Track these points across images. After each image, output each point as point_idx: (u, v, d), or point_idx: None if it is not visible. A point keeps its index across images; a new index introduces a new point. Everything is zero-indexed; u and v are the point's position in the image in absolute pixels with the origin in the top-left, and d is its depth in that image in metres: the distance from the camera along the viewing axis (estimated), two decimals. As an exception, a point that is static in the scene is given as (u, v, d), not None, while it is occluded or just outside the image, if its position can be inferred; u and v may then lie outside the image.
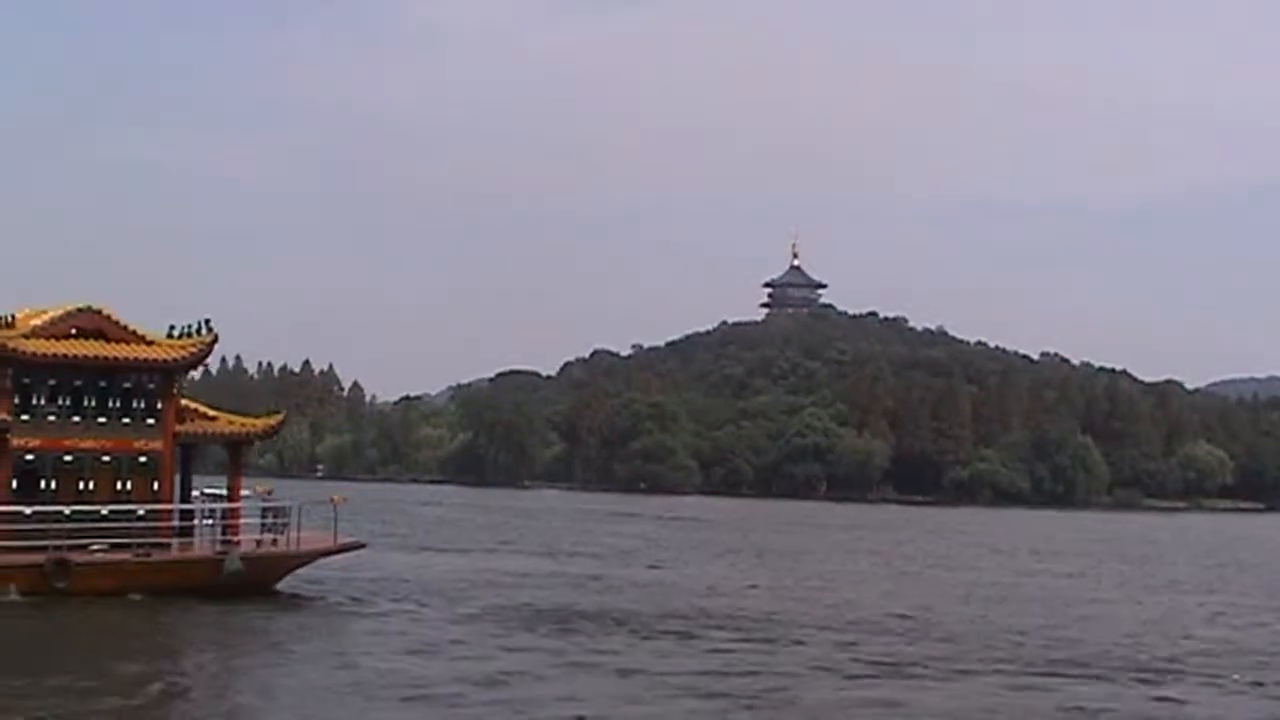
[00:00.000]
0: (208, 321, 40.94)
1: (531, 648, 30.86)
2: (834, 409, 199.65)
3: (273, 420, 44.90)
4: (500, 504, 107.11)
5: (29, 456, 37.83)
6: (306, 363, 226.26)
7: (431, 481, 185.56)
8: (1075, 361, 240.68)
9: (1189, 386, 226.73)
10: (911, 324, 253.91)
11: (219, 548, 39.30)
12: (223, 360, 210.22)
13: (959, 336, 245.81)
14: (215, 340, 40.62)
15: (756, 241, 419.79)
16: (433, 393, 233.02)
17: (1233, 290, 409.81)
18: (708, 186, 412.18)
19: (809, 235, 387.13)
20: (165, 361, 39.84)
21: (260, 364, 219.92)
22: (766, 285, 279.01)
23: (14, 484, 37.46)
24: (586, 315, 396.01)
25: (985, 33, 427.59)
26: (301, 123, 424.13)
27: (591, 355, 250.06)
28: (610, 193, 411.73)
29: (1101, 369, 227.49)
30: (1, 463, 37.44)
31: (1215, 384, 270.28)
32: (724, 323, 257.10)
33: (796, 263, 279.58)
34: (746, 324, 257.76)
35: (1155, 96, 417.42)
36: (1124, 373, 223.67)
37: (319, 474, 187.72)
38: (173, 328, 40.74)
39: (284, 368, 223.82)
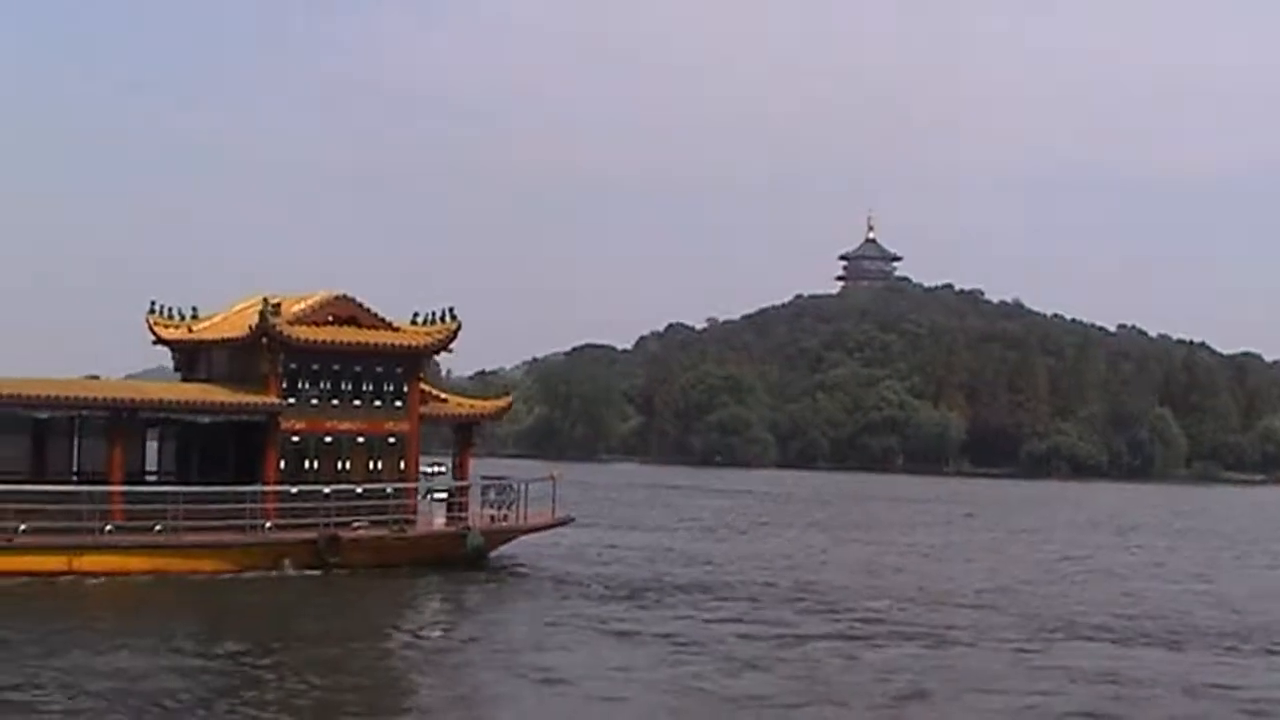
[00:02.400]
0: (451, 309, 43.76)
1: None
2: (910, 382, 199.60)
3: (501, 402, 48.83)
4: (579, 478, 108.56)
5: (295, 438, 40.65)
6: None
7: (508, 456, 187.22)
8: (1153, 333, 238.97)
9: (1268, 359, 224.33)
10: (987, 296, 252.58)
11: (463, 524, 42.66)
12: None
13: (1035, 309, 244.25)
14: (459, 328, 43.42)
15: (831, 214, 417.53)
16: (508, 366, 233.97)
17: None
18: (781, 159, 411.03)
19: (884, 208, 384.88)
20: (413, 347, 42.86)
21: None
22: (842, 258, 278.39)
23: (281, 464, 40.03)
24: (662, 288, 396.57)
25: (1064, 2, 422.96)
26: (366, 102, 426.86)
27: (667, 329, 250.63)
28: (683, 166, 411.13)
29: (1179, 341, 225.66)
30: (272, 444, 40.10)
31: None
32: (799, 296, 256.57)
33: (872, 235, 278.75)
34: (822, 297, 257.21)
35: (1229, 66, 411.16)
36: (1202, 345, 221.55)
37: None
38: (416, 315, 43.58)
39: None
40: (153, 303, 44.30)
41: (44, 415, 38.82)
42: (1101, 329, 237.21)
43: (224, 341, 42.27)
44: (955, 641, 31.51)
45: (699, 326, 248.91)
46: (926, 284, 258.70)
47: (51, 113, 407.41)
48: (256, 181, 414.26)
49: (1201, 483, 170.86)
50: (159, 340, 44.32)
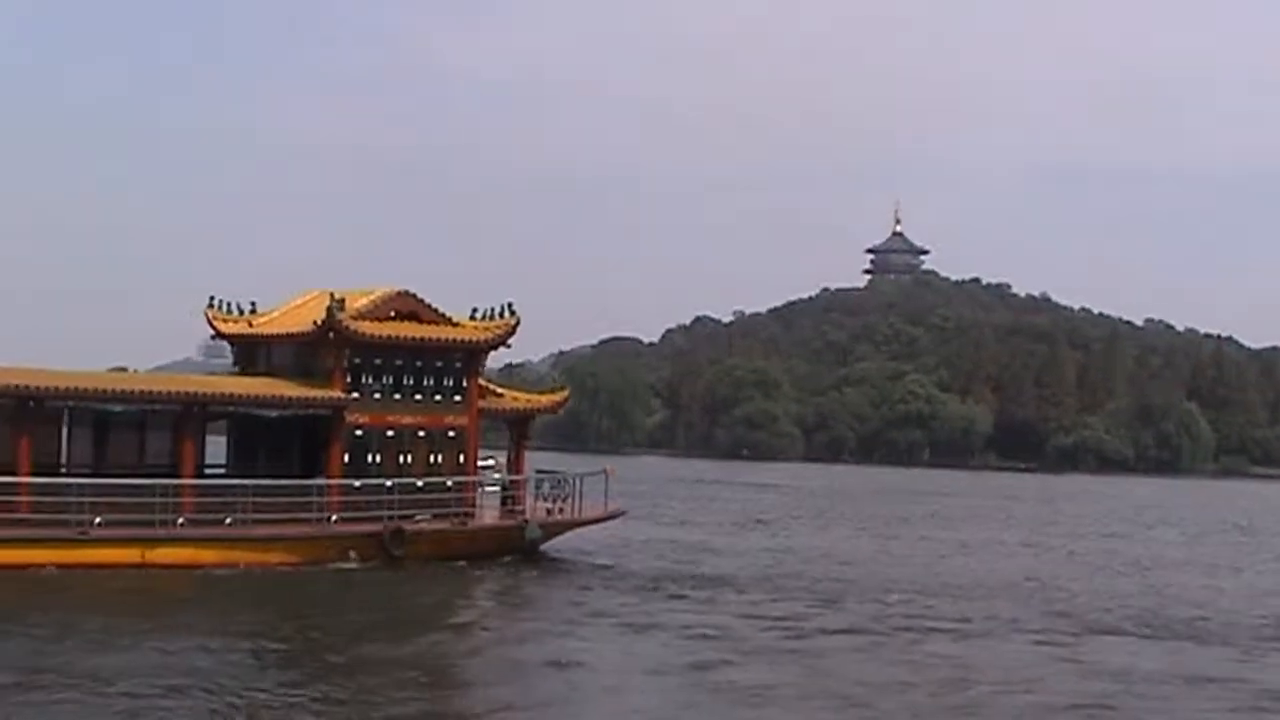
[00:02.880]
0: (509, 305, 44.42)
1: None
2: (936, 375, 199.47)
3: (556, 396, 49.60)
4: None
5: (358, 432, 41.30)
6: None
7: (532, 449, 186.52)
8: (1180, 327, 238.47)
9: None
10: (1014, 290, 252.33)
11: (521, 516, 43.63)
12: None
13: (1062, 303, 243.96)
14: (518, 323, 44.10)
15: (858, 208, 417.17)
16: (535, 359, 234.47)
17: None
18: (808, 153, 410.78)
19: (911, 201, 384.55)
20: (472, 343, 43.61)
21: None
22: (869, 251, 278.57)
23: (345, 458, 40.72)
24: (688, 282, 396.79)
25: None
26: (398, 89, 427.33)
27: (693, 322, 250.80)
28: (710, 159, 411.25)
29: (1207, 335, 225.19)
30: (336, 438, 40.77)
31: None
32: (826, 289, 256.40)
33: (899, 229, 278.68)
34: (848, 290, 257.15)
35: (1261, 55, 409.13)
36: (1230, 339, 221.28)
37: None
38: (475, 310, 44.20)
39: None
40: (211, 298, 44.95)
41: (116, 409, 39.52)
42: (1129, 323, 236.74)
43: (287, 336, 42.88)
44: (989, 634, 32.14)
45: (725, 320, 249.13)
46: (954, 277, 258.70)
47: (77, 112, 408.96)
48: (282, 171, 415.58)
49: (1229, 477, 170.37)
50: (218, 334, 45.04)
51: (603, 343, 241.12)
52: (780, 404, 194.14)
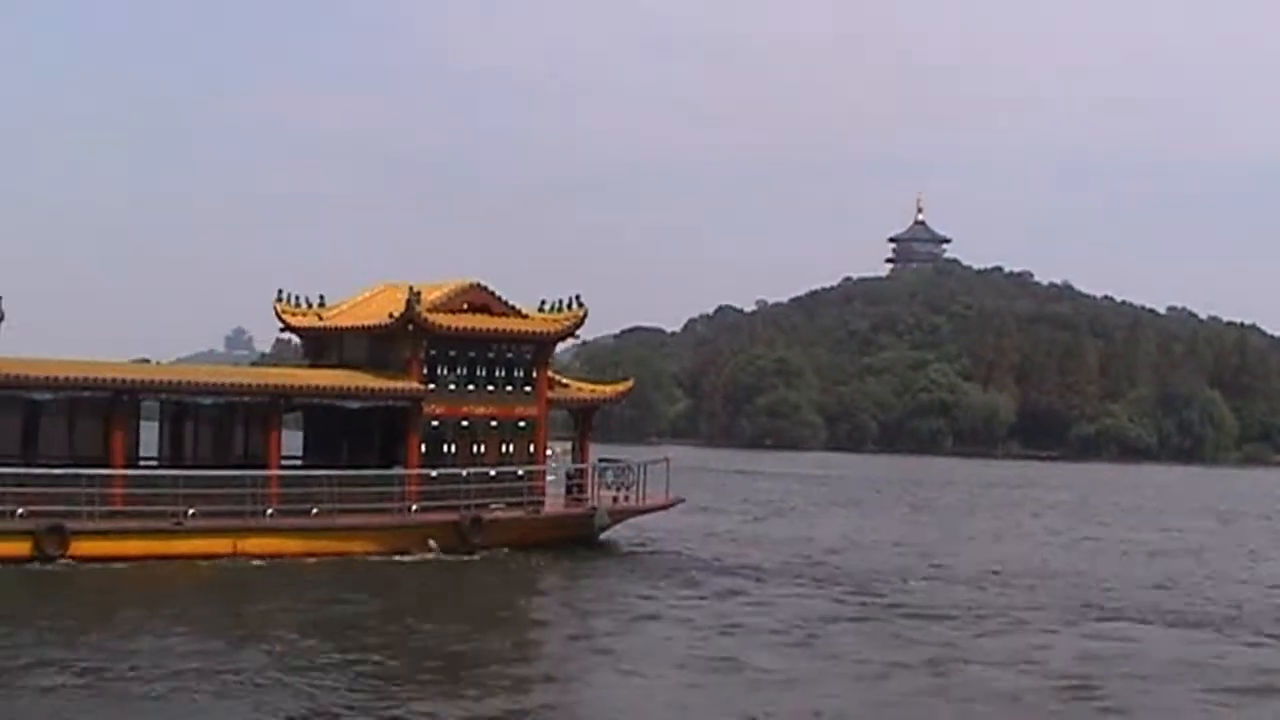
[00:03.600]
0: (578, 297, 45.80)
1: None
2: (959, 364, 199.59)
3: (621, 387, 51.50)
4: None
5: (434, 423, 42.38)
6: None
7: (555, 438, 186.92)
8: (1203, 315, 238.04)
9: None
10: (1037, 278, 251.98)
11: (590, 504, 45.11)
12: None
13: (1085, 291, 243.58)
14: (586, 315, 45.50)
15: (880, 196, 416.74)
16: (558, 349, 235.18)
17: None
18: (831, 141, 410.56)
19: (933, 190, 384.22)
20: (542, 334, 44.76)
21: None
22: (891, 240, 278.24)
23: (422, 448, 41.78)
24: (710, 271, 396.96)
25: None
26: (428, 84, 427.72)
27: (716, 311, 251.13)
28: (730, 148, 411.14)
29: (1230, 323, 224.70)
30: (414, 428, 41.88)
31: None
32: (848, 278, 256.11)
33: (921, 217, 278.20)
34: (871, 279, 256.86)
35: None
36: (1253, 326, 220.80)
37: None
38: (544, 303, 45.56)
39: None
40: (279, 291, 45.85)
41: (207, 402, 40.58)
42: (1151, 311, 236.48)
43: (362, 329, 43.79)
44: (1025, 623, 32.72)
45: (748, 309, 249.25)
46: (976, 266, 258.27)
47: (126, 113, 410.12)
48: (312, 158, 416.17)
49: (1252, 465, 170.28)
50: (287, 327, 46.03)
51: (625, 332, 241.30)
52: (803, 393, 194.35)
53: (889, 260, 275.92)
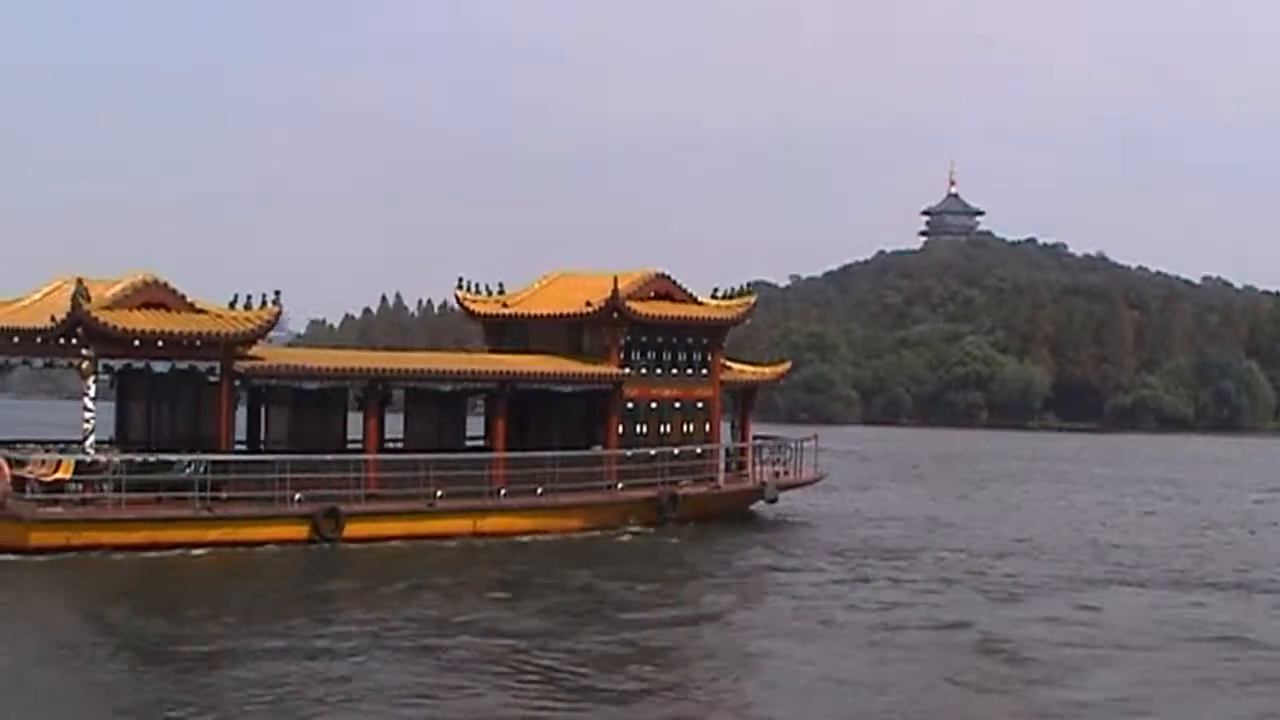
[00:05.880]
0: (747, 285, 51.28)
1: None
2: (993, 336, 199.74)
3: (781, 368, 55.49)
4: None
5: (629, 405, 45.45)
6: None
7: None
8: (1239, 285, 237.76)
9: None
10: (1071, 250, 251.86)
11: (761, 480, 48.72)
12: (383, 298, 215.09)
13: (1119, 262, 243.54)
14: (756, 302, 50.76)
15: (914, 169, 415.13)
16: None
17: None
18: (864, 114, 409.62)
19: (966, 162, 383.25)
20: (719, 320, 48.44)
21: (420, 301, 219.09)
22: (924, 213, 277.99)
23: (619, 429, 44.87)
24: (744, 246, 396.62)
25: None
26: (461, 58, 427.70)
27: (749, 286, 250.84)
28: (766, 123, 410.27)
29: (1266, 292, 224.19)
30: (614, 411, 45.17)
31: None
32: (882, 252, 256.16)
33: (954, 190, 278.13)
34: (904, 253, 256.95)
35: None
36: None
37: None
38: (715, 290, 49.66)
39: (444, 304, 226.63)
40: (460, 279, 48.61)
41: (446, 389, 43.33)
42: (1187, 281, 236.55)
43: (559, 316, 46.29)
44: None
45: (782, 284, 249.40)
46: (1010, 238, 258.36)
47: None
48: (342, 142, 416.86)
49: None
50: (470, 314, 49.06)
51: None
52: (838, 367, 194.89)
53: (922, 233, 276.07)
